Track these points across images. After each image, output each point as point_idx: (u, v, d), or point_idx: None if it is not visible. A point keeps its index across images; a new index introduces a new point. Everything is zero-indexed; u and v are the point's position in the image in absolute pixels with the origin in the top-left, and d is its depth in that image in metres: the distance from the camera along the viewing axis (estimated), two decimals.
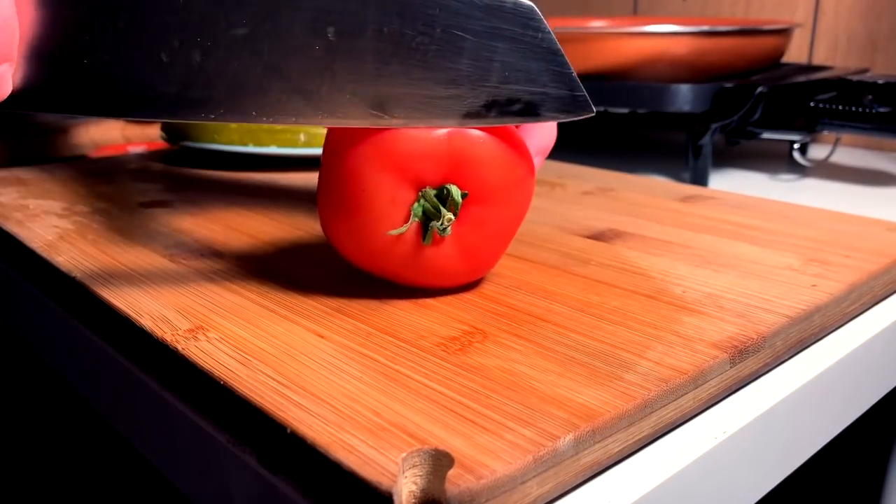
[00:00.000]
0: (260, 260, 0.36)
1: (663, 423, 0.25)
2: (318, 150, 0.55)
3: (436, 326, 0.28)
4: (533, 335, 0.28)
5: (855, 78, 0.59)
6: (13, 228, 0.41)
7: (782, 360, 0.30)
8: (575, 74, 0.27)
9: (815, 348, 0.32)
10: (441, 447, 0.20)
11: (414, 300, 0.31)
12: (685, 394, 0.25)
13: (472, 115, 0.26)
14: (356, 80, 0.24)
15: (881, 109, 0.56)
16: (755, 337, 0.28)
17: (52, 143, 0.70)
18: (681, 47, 0.59)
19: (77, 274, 0.33)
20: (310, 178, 0.53)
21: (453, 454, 0.20)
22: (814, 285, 0.33)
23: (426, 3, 0.24)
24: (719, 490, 0.26)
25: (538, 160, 0.33)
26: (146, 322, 0.28)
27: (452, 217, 0.28)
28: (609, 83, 0.61)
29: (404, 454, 0.20)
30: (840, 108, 0.57)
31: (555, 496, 0.22)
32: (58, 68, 0.21)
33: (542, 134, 0.33)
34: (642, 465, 0.24)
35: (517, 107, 0.26)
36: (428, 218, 0.29)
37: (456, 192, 0.28)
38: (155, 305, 0.30)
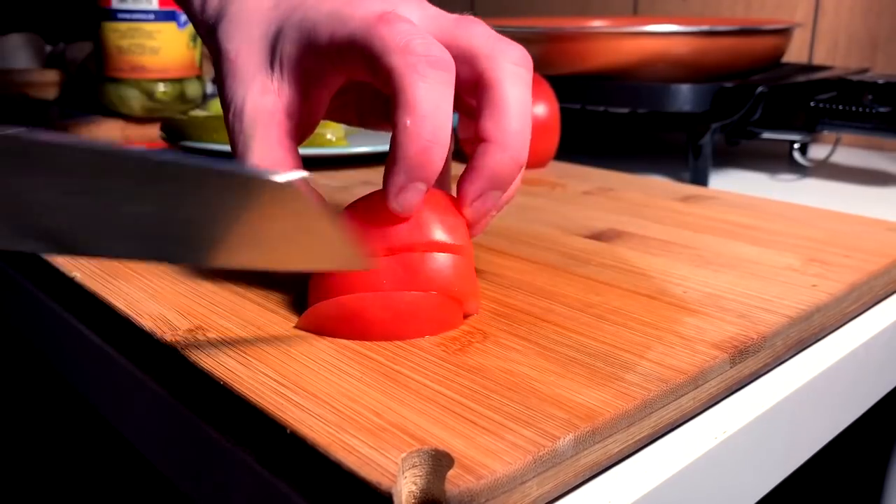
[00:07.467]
0: None
1: (663, 423, 0.25)
2: (318, 151, 0.55)
3: None
4: (533, 335, 0.28)
5: (855, 78, 0.59)
6: None
7: (782, 360, 0.30)
8: None
9: (815, 348, 0.32)
10: (441, 447, 0.20)
11: None
12: (685, 394, 0.25)
13: None
14: None
15: (881, 109, 0.56)
16: (755, 337, 0.28)
17: None
18: (681, 47, 0.59)
19: (77, 274, 0.33)
20: None
21: (453, 454, 0.20)
22: (814, 285, 0.33)
23: None
24: (719, 490, 0.26)
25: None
26: (146, 322, 0.28)
27: None
28: (609, 83, 0.61)
29: (404, 454, 0.20)
30: (840, 108, 0.57)
31: (555, 496, 0.22)
32: None
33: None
34: (642, 465, 0.24)
35: None
36: None
37: None
38: (155, 305, 0.30)
